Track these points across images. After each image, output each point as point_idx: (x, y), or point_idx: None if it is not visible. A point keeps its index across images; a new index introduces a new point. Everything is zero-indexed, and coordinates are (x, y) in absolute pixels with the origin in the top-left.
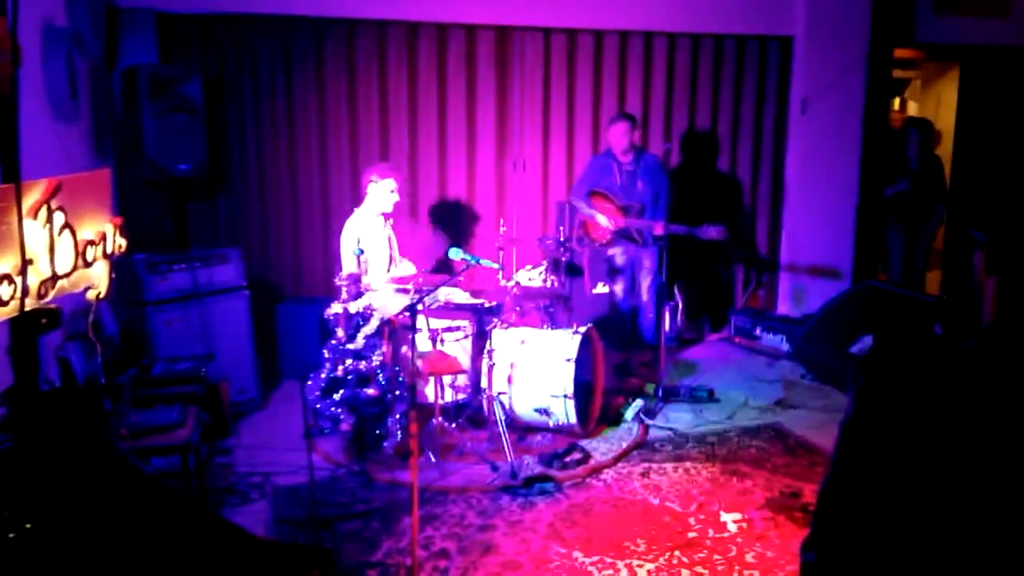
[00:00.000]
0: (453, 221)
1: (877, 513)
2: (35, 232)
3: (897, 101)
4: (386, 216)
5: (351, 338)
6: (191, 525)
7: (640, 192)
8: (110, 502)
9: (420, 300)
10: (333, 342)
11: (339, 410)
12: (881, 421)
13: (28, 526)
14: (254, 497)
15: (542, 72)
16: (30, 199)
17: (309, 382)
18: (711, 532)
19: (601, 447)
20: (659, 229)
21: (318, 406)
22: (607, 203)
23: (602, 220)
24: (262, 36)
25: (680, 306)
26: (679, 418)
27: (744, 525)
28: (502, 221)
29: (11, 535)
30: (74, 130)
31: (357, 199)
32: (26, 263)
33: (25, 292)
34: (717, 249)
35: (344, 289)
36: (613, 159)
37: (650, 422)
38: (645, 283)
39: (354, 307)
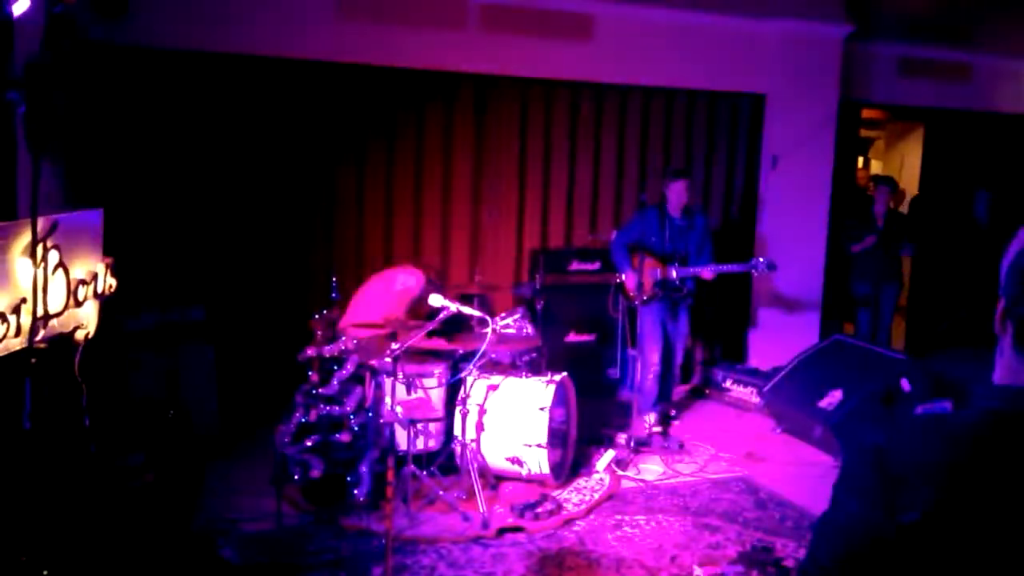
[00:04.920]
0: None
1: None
2: (29, 271)
3: (860, 160)
4: None
5: (324, 382)
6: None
7: (686, 244)
8: (116, 542)
9: (402, 348)
10: (306, 386)
11: (309, 456)
12: (892, 478)
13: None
14: (220, 544)
15: (519, 122)
16: (26, 237)
17: (279, 427)
18: None
19: (573, 498)
20: (707, 274)
21: (288, 452)
22: (649, 258)
23: (631, 283)
24: (230, 76)
25: None
26: (650, 469)
27: None
28: (477, 269)
29: None
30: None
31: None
32: (23, 302)
33: (27, 330)
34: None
35: (318, 332)
36: (665, 215)
37: (622, 473)
38: (679, 345)
39: (328, 351)
